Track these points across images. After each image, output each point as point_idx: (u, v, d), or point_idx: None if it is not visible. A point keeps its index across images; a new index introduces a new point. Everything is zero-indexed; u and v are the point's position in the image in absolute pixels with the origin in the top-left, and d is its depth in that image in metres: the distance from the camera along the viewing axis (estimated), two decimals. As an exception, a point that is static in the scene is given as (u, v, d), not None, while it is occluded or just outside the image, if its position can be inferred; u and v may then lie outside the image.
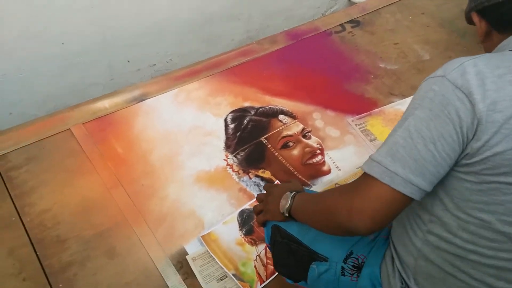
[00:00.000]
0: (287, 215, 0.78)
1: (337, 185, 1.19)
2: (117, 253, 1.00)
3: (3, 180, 1.07)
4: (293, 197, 0.78)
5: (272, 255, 0.87)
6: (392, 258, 0.74)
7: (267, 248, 1.05)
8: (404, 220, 0.71)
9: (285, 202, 0.78)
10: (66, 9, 1.27)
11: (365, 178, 0.62)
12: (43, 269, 0.94)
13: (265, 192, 0.88)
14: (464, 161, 0.59)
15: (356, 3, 1.99)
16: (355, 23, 1.72)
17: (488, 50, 0.72)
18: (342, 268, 0.77)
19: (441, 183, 0.62)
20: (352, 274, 0.77)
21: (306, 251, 0.79)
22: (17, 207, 1.03)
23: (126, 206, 1.08)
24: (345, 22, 1.71)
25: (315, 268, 0.79)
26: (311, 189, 1.16)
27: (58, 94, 1.41)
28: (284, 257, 0.83)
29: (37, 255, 0.96)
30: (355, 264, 0.77)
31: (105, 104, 1.29)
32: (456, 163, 0.60)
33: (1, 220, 1.00)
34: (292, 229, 0.80)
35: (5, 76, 1.26)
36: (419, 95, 0.62)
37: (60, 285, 0.92)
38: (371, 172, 0.61)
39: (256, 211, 0.88)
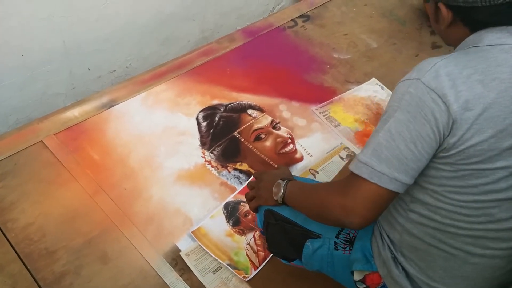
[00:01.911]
0: (280, 202, 0.83)
1: (311, 171, 1.27)
2: (110, 258, 1.01)
3: (-21, 198, 1.03)
4: (285, 185, 0.83)
5: (266, 238, 0.93)
6: (380, 232, 0.81)
7: (255, 236, 1.10)
8: None
9: (278, 190, 0.83)
10: (25, 20, 1.23)
11: (354, 178, 0.69)
12: (37, 283, 0.93)
13: (256, 179, 0.92)
14: (441, 154, 0.67)
15: (302, -1, 2.09)
16: (305, 17, 1.81)
17: (445, 36, 0.78)
18: (335, 243, 0.84)
19: (421, 172, 0.69)
20: (345, 248, 0.84)
21: (300, 230, 0.86)
22: (-1, 224, 1.00)
23: (111, 210, 1.09)
24: (296, 17, 1.80)
25: (309, 245, 0.85)
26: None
27: (20, 107, 1.37)
28: (278, 238, 0.88)
29: (28, 269, 0.95)
30: (347, 239, 0.84)
31: (75, 113, 1.28)
32: (434, 156, 0.68)
33: (-17, 239, 0.97)
34: (284, 211, 0.86)
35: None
36: (396, 97, 0.69)
37: (57, 296, 0.92)
38: (360, 173, 0.68)
39: (248, 197, 0.92)
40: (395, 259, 0.78)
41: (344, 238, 0.84)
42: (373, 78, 1.59)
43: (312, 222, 0.84)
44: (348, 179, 0.70)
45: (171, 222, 1.10)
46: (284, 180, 0.84)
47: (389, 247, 0.79)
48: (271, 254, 1.06)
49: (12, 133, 1.21)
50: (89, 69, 1.51)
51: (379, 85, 1.56)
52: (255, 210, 0.91)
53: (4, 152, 1.13)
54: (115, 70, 1.60)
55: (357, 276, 0.82)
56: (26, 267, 0.95)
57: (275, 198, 0.84)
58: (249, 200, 0.92)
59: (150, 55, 1.67)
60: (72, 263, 0.98)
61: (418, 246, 0.75)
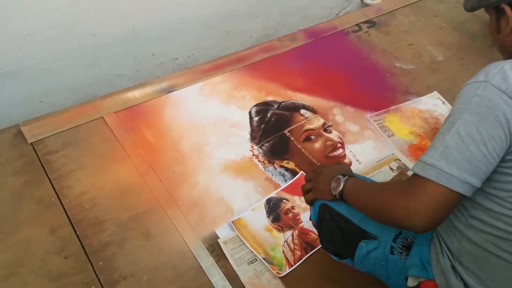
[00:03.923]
0: (338, 197, 0.83)
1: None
2: (152, 235, 1.04)
3: (41, 163, 1.11)
4: (346, 180, 0.82)
5: (319, 233, 0.92)
6: (439, 240, 0.78)
7: (294, 235, 1.10)
8: None
9: (338, 185, 0.82)
10: (99, 2, 1.31)
11: (418, 180, 0.66)
12: (84, 248, 0.99)
13: (315, 172, 0.92)
14: (508, 157, 0.65)
15: (369, 5, 2.05)
16: (371, 23, 1.77)
17: (508, 44, 0.75)
18: (392, 247, 0.82)
19: None
20: (401, 253, 0.82)
21: (355, 229, 0.84)
22: (56, 189, 1.07)
23: (159, 191, 1.13)
24: (361, 22, 1.77)
25: (363, 246, 0.84)
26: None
27: (87, 84, 1.45)
28: (332, 234, 0.87)
29: (77, 234, 1.00)
30: (404, 244, 0.82)
31: (136, 94, 1.34)
32: (501, 160, 0.65)
33: (41, 201, 1.04)
34: (341, 208, 0.85)
35: (39, 65, 1.30)
36: (463, 99, 0.67)
37: (100, 263, 0.97)
38: (426, 175, 0.65)
39: (305, 189, 0.92)
40: (453, 268, 0.75)
41: (401, 243, 0.82)
42: (435, 92, 1.52)
43: (369, 222, 0.83)
44: (411, 180, 0.68)
45: (213, 210, 1.13)
46: (344, 176, 0.83)
47: (448, 255, 0.76)
48: (307, 255, 1.06)
49: (76, 107, 1.29)
50: (153, 54, 1.58)
51: (440, 100, 1.50)
52: (310, 203, 0.91)
53: (68, 124, 1.21)
54: (177, 58, 1.66)
55: (411, 283, 0.79)
56: (75, 232, 1.01)
57: (334, 192, 0.83)
58: (305, 192, 0.92)
59: (212, 47, 1.71)
60: (117, 235, 1.02)
61: (478, 254, 0.72)
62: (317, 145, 1.32)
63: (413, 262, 0.79)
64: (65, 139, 1.17)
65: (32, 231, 0.99)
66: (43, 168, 1.10)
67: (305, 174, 1.15)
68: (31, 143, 1.15)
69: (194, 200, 1.14)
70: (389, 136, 1.37)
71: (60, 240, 0.99)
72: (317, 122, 1.38)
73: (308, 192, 0.91)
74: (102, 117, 1.25)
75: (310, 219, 0.95)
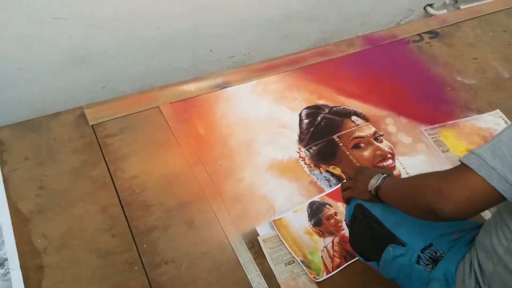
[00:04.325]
0: (374, 194, 0.83)
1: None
2: (195, 225, 1.07)
3: (99, 145, 1.17)
4: (384, 178, 0.82)
5: (350, 232, 0.92)
6: (471, 261, 0.75)
7: (334, 241, 1.09)
8: (491, 226, 0.73)
9: (375, 182, 0.83)
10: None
11: (460, 167, 0.65)
12: (130, 229, 1.03)
13: (356, 172, 0.92)
14: None
15: (433, 15, 1.99)
16: (433, 34, 1.72)
17: None
18: (419, 256, 0.80)
19: None
20: (427, 265, 0.80)
21: (385, 232, 0.83)
22: (110, 171, 1.13)
23: (205, 183, 1.16)
24: (423, 32, 1.71)
25: (391, 250, 0.82)
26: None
27: (146, 74, 1.51)
28: (362, 234, 0.87)
29: (125, 215, 1.05)
30: (432, 256, 0.80)
31: (191, 87, 1.38)
32: None
33: (96, 180, 1.10)
34: (375, 210, 0.85)
35: (106, 52, 1.37)
36: None
37: (144, 245, 1.01)
38: (468, 162, 0.64)
39: (343, 187, 0.93)
40: None
41: (429, 255, 0.80)
42: (498, 110, 1.45)
43: (401, 228, 0.82)
44: (453, 168, 0.67)
45: (256, 207, 1.14)
46: (383, 174, 0.83)
47: (476, 277, 0.73)
48: (346, 263, 1.05)
49: (135, 95, 1.35)
50: (211, 51, 1.62)
51: (502, 118, 1.43)
52: (347, 201, 0.92)
53: (126, 110, 1.27)
54: (233, 56, 1.69)
55: (431, 296, 0.77)
56: (124, 213, 1.06)
57: (369, 188, 0.83)
58: (343, 190, 0.92)
59: (268, 47, 1.73)
60: (163, 221, 1.06)
61: (510, 283, 0.68)
62: (366, 153, 1.30)
63: (437, 276, 0.77)
64: (123, 124, 1.23)
65: (86, 208, 1.05)
66: (101, 149, 1.16)
67: (351, 181, 1.14)
68: (92, 126, 1.21)
69: (238, 195, 1.16)
70: (443, 152, 1.32)
71: (109, 219, 1.04)
72: (368, 130, 1.35)
73: (346, 190, 0.91)
74: (158, 106, 1.30)
75: (345, 219, 0.95)
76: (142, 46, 1.43)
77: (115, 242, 1.01)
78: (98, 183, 1.10)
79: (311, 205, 1.16)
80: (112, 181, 1.11)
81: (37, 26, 1.20)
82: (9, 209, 1.01)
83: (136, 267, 0.97)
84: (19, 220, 1.00)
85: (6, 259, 0.93)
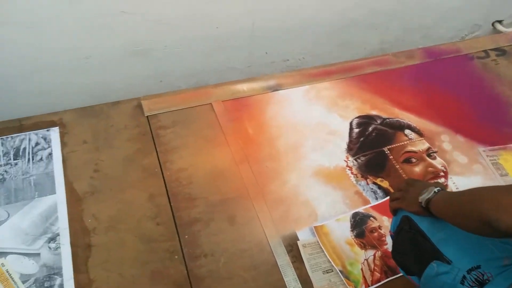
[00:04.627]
0: (424, 206, 0.80)
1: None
2: (237, 222, 1.08)
3: (152, 136, 1.22)
4: (436, 192, 0.79)
5: (393, 243, 0.89)
6: None
7: (376, 255, 1.06)
8: None
9: (427, 194, 0.80)
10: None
11: None
12: (174, 219, 1.06)
13: (407, 183, 0.90)
14: None
15: (501, 32, 1.89)
16: (501, 51, 1.63)
17: None
18: (464, 276, 0.76)
19: None
20: (472, 287, 0.76)
21: (431, 247, 0.80)
22: (160, 161, 1.16)
23: (250, 182, 1.17)
24: (490, 49, 1.63)
25: (435, 267, 0.79)
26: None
27: (202, 71, 1.55)
28: (406, 246, 0.85)
29: (171, 206, 1.08)
30: (478, 278, 0.75)
31: (244, 87, 1.40)
32: None
33: (147, 169, 1.14)
34: (422, 223, 0.82)
35: (166, 48, 1.43)
36: None
37: (186, 236, 1.03)
38: None
39: (392, 197, 0.91)
40: None
41: (476, 276, 0.75)
42: None
43: (448, 246, 0.78)
44: None
45: (298, 211, 1.13)
46: (437, 187, 0.80)
47: None
48: (386, 279, 1.02)
49: (190, 91, 1.39)
50: (266, 53, 1.63)
51: None
52: (394, 212, 0.90)
53: (180, 104, 1.31)
54: (288, 60, 1.69)
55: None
56: (170, 203, 1.09)
57: (420, 199, 0.81)
58: (392, 200, 0.91)
59: (324, 53, 1.72)
60: (206, 214, 1.08)
61: None
62: (417, 169, 1.25)
63: None
64: (176, 117, 1.27)
65: (135, 194, 1.09)
66: (153, 140, 1.21)
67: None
68: (147, 116, 1.26)
69: (281, 197, 1.16)
70: (501, 176, 1.25)
71: (156, 207, 1.07)
72: (421, 146, 1.31)
73: (395, 201, 0.89)
74: (211, 103, 1.33)
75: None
76: (201, 44, 1.47)
77: (159, 230, 1.04)
78: (148, 171, 1.14)
79: (355, 215, 1.14)
80: (162, 171, 1.15)
81: (106, 19, 1.27)
82: (65, 188, 1.07)
83: (176, 257, 0.99)
84: (73, 199, 1.06)
85: (58, 234, 0.99)
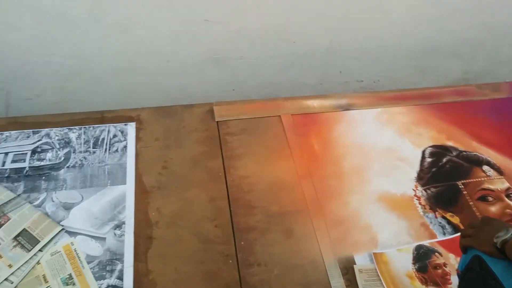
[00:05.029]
0: (499, 247, 0.74)
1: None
2: (293, 236, 1.07)
3: (220, 140, 1.25)
4: None
5: (460, 281, 0.83)
6: None
7: (439, 292, 0.99)
8: None
9: (503, 234, 0.74)
10: (305, 12, 1.40)
11: None
12: (232, 224, 1.07)
13: (482, 221, 0.84)
14: None
15: None
16: None
17: None
18: None
19: None
20: None
21: None
22: (225, 166, 1.19)
23: (311, 198, 1.15)
24: None
25: None
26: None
27: (274, 83, 1.57)
28: (474, 287, 0.78)
29: (230, 210, 1.10)
30: None
31: (314, 103, 1.39)
32: None
33: (211, 171, 1.17)
34: (495, 266, 0.75)
35: (242, 58, 1.47)
36: None
37: (242, 243, 1.04)
38: None
39: (464, 234, 0.85)
40: None
41: None
42: None
43: None
44: None
45: (358, 234, 1.09)
46: None
47: None
48: (447, 321, 0.94)
49: (260, 101, 1.41)
50: (340, 72, 1.62)
51: None
52: (464, 250, 0.84)
53: (250, 113, 1.33)
54: (362, 81, 1.67)
55: None
56: (229, 208, 1.10)
57: (495, 239, 0.75)
58: (463, 236, 0.85)
59: (402, 78, 1.67)
60: (263, 224, 1.08)
61: None
62: (493, 209, 1.16)
63: None
64: (244, 126, 1.29)
65: (197, 194, 1.12)
66: (220, 145, 1.24)
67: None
68: (217, 122, 1.30)
69: (341, 217, 1.12)
70: None
71: (215, 209, 1.09)
72: (500, 184, 1.21)
73: (466, 238, 0.83)
74: (280, 116, 1.34)
75: (457, 267, 0.86)
76: (276, 58, 1.50)
77: (216, 232, 1.05)
78: (212, 174, 1.16)
79: (418, 248, 1.07)
80: (225, 176, 1.17)
81: (190, 25, 1.33)
82: (135, 180, 1.12)
83: (230, 261, 1.00)
84: (141, 191, 1.11)
85: (124, 223, 1.03)
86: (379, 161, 1.27)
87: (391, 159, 1.28)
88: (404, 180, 1.23)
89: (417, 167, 1.26)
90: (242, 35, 1.41)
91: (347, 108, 1.40)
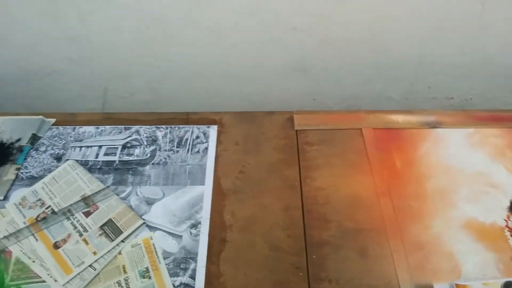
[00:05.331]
0: None
1: None
2: (368, 255, 1.03)
3: (298, 149, 1.24)
4: None
5: None
6: None
7: (528, 337, 0.89)
8: None
9: None
10: (395, 20, 1.35)
11: None
12: (305, 236, 1.06)
13: None
14: None
15: None
16: None
17: None
18: None
19: None
20: None
21: None
22: (301, 176, 1.18)
23: (389, 217, 1.10)
24: None
25: None
26: None
27: (356, 96, 1.54)
28: None
29: (304, 221, 1.08)
30: None
31: (398, 119, 1.33)
32: None
33: (287, 180, 1.17)
34: None
35: (326, 68, 1.45)
36: None
37: (314, 256, 1.02)
38: None
39: None
40: None
41: None
42: None
43: None
44: None
45: (439, 261, 1.02)
46: None
47: None
48: None
49: (341, 112, 1.38)
50: (429, 87, 1.54)
51: None
52: None
53: (330, 124, 1.31)
54: (452, 98, 1.57)
55: None
56: (303, 219, 1.09)
57: None
58: None
59: (497, 98, 1.54)
60: (337, 239, 1.05)
61: None
62: None
63: None
64: (323, 136, 1.27)
65: (271, 201, 1.12)
66: (298, 154, 1.23)
67: None
68: (296, 130, 1.29)
69: (421, 242, 1.06)
70: None
71: (289, 219, 1.09)
72: None
73: None
74: (361, 129, 1.30)
75: None
76: (361, 69, 1.46)
77: (288, 242, 1.05)
78: (287, 182, 1.16)
79: (507, 285, 0.98)
80: (301, 185, 1.16)
81: (277, 33, 1.35)
82: (213, 182, 1.16)
83: (301, 274, 0.99)
84: (218, 193, 1.14)
85: (199, 223, 1.07)
86: (467, 186, 1.18)
87: (481, 184, 1.18)
88: (495, 208, 1.13)
89: (510, 196, 1.15)
90: (328, 45, 1.39)
91: (434, 125, 1.32)
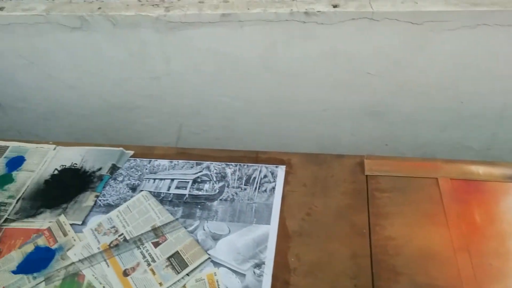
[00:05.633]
0: None
1: None
2: (442, 316, 0.95)
3: (367, 195, 1.20)
4: None
5: None
6: None
7: None
8: None
9: None
10: (475, 71, 1.30)
11: None
12: (373, 287, 1.00)
13: None
14: None
15: None
16: None
17: None
18: None
19: None
20: None
21: None
22: (370, 223, 1.13)
23: (467, 276, 1.01)
24: None
25: None
26: None
27: (432, 144, 1.47)
28: None
29: (372, 272, 1.03)
30: None
31: (479, 170, 1.25)
32: None
33: (355, 226, 1.13)
34: None
35: (401, 113, 1.42)
36: None
37: (382, 311, 0.96)
38: None
39: None
40: None
41: None
42: None
43: None
44: None
45: (527, 333, 0.91)
46: None
47: None
48: None
49: (416, 160, 1.32)
50: (513, 138, 1.44)
51: None
52: None
53: (403, 171, 1.26)
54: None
55: None
56: (371, 269, 1.04)
57: None
58: None
59: None
60: (407, 294, 0.99)
61: None
62: None
63: None
64: (396, 183, 1.23)
65: (338, 248, 1.09)
66: (368, 200, 1.19)
67: None
68: (366, 175, 1.26)
69: (505, 308, 0.96)
70: None
71: (356, 267, 1.04)
72: None
73: None
74: (437, 178, 1.24)
75: None
76: (439, 116, 1.41)
77: (354, 292, 1.00)
78: (355, 229, 1.12)
79: None
80: (369, 233, 1.11)
81: (352, 77, 1.35)
82: (279, 222, 1.15)
83: (368, 328, 0.93)
84: (283, 234, 1.12)
85: (263, 263, 1.06)
86: (560, 248, 1.06)
87: None
88: None
89: None
90: (404, 90, 1.37)
91: (520, 179, 1.22)
